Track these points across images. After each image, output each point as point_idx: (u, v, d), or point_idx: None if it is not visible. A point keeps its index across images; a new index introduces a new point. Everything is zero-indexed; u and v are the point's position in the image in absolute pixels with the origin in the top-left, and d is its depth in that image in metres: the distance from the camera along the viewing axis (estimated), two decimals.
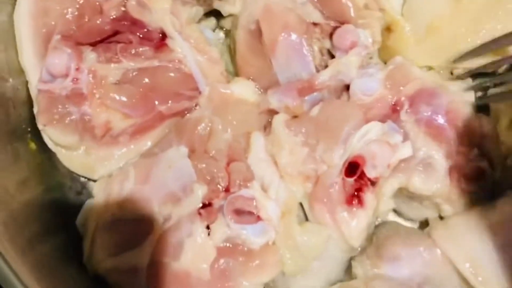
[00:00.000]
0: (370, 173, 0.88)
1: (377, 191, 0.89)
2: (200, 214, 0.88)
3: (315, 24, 0.96)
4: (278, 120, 0.92)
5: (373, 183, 0.89)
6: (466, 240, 0.89)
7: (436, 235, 0.92)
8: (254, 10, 0.97)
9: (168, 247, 0.88)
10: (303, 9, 0.95)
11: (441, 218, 0.95)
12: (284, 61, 0.95)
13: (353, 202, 0.88)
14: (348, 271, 0.94)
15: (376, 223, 0.96)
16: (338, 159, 0.89)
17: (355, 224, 0.88)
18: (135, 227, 0.89)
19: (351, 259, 0.94)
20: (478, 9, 0.92)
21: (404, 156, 0.90)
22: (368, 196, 0.88)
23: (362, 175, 0.89)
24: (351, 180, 0.89)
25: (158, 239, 0.88)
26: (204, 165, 0.90)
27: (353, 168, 0.88)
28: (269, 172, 0.91)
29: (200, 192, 0.88)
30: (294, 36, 0.95)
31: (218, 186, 0.89)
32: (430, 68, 0.95)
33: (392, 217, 1.02)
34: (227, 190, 0.90)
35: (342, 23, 0.95)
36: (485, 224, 0.89)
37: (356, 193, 0.89)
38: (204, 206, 0.89)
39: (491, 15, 0.91)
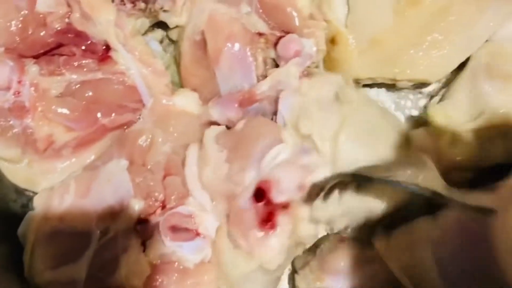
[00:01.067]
0: (277, 198, 0.86)
1: (292, 214, 0.86)
2: (136, 230, 0.88)
3: (260, 34, 0.95)
4: (209, 134, 0.90)
5: (284, 206, 0.86)
6: (407, 252, 0.89)
7: (379, 247, 0.92)
8: (199, 21, 0.96)
9: (103, 262, 0.87)
10: (248, 19, 0.95)
11: (386, 229, 0.94)
12: (227, 72, 0.95)
13: (266, 226, 0.86)
14: (291, 285, 0.94)
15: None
16: (249, 181, 0.87)
17: (268, 247, 0.85)
18: (73, 240, 0.89)
19: (294, 272, 0.93)
20: (421, 21, 0.91)
21: (318, 180, 0.87)
22: (281, 219, 0.86)
23: (269, 200, 0.86)
24: (260, 204, 0.86)
25: (94, 253, 0.87)
26: (141, 179, 0.89)
27: (259, 193, 0.86)
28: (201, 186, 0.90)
29: (136, 207, 0.88)
30: (238, 46, 0.95)
31: (155, 201, 0.89)
32: (373, 80, 0.94)
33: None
34: (163, 205, 0.89)
35: (287, 32, 0.94)
36: (427, 237, 0.88)
37: (268, 217, 0.86)
38: (141, 221, 0.89)
39: (433, 27, 0.91)
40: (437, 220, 0.89)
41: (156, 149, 0.91)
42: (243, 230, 0.86)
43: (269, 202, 0.86)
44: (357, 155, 0.87)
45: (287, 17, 0.95)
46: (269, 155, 0.87)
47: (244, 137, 0.89)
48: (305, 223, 0.88)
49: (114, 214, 0.89)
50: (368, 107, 0.91)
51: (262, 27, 0.95)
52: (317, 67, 0.95)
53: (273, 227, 0.85)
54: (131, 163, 0.90)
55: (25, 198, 1.01)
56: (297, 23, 0.94)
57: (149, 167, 0.90)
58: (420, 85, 0.95)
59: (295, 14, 0.94)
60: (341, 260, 0.91)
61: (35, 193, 0.97)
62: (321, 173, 0.87)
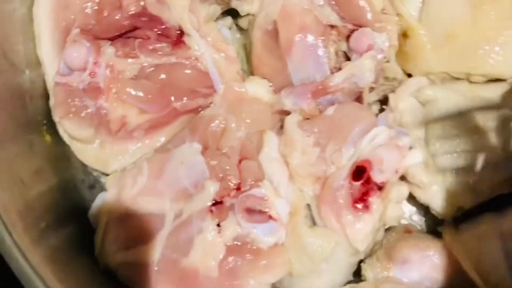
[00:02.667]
0: (377, 177, 0.88)
1: (384, 196, 0.89)
2: (211, 211, 0.89)
3: (332, 26, 0.96)
4: (291, 121, 0.92)
5: (380, 188, 0.89)
6: (476, 246, 0.89)
7: (447, 239, 0.92)
8: (271, 10, 0.97)
9: (178, 243, 0.89)
10: (321, 10, 0.95)
11: (455, 222, 0.95)
12: (299, 62, 0.95)
13: (359, 206, 0.88)
14: (358, 273, 0.94)
15: (387, 227, 0.95)
16: (346, 160, 0.89)
17: (360, 228, 0.88)
18: (146, 222, 0.90)
19: (360, 261, 0.94)
20: (498, 16, 0.91)
21: (412, 163, 0.89)
22: (375, 200, 0.88)
23: (369, 179, 0.88)
24: (357, 184, 0.88)
25: (168, 234, 0.88)
26: (216, 162, 0.90)
27: (360, 172, 0.88)
28: (279, 171, 0.91)
29: (212, 189, 0.89)
30: (310, 38, 0.95)
31: (230, 183, 0.90)
32: (447, 74, 0.94)
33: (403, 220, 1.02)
34: (238, 188, 0.90)
35: (359, 26, 0.94)
36: (496, 231, 0.89)
37: (362, 197, 0.88)
38: (216, 203, 0.90)
39: (510, 22, 0.91)
40: (506, 214, 0.90)
41: (230, 134, 0.92)
42: (335, 209, 0.88)
43: (367, 182, 0.88)
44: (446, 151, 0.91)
45: (360, 11, 0.94)
46: (367, 137, 0.89)
47: (338, 121, 0.91)
48: (393, 205, 0.90)
49: (188, 195, 0.90)
50: (449, 99, 0.92)
51: (335, 19, 0.95)
52: (388, 61, 0.95)
53: (367, 207, 0.87)
54: (205, 147, 0.92)
55: (92, 178, 1.02)
56: (369, 17, 0.94)
57: (224, 151, 0.91)
58: (494, 80, 0.94)
59: (367, 7, 0.94)
60: (409, 250, 0.92)
61: (104, 174, 0.98)
62: (414, 158, 0.89)
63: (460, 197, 0.92)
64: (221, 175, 0.90)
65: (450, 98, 0.93)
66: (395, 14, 0.95)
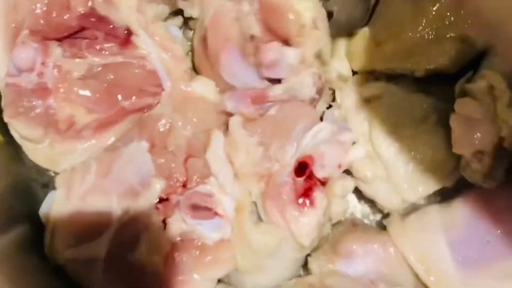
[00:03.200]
0: (319, 173, 0.89)
1: (327, 191, 0.90)
2: (157, 208, 0.90)
3: (252, 37, 0.95)
4: (234, 122, 0.93)
5: (323, 183, 0.90)
6: (420, 239, 0.91)
7: (392, 232, 0.93)
8: (205, 17, 0.98)
9: (124, 240, 0.90)
10: (246, 21, 0.94)
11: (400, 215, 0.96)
12: (228, 71, 0.96)
13: (303, 201, 0.89)
14: (305, 267, 0.95)
15: (333, 222, 0.96)
16: (290, 157, 0.90)
17: (305, 223, 0.89)
18: (94, 219, 0.92)
19: (307, 255, 0.95)
20: (436, 11, 0.92)
21: (356, 158, 0.90)
22: (318, 195, 0.89)
23: (312, 175, 0.89)
24: (301, 179, 0.89)
25: (115, 231, 0.90)
26: (163, 160, 0.92)
27: (302, 168, 0.89)
28: (225, 169, 0.93)
29: (157, 187, 0.90)
30: (234, 50, 0.95)
31: (176, 181, 0.91)
32: (391, 70, 0.95)
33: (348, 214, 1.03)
34: (184, 185, 0.92)
35: (283, 38, 0.93)
36: (440, 222, 0.90)
37: (306, 193, 0.89)
38: (162, 200, 0.91)
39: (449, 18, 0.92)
40: (450, 206, 0.91)
41: (177, 133, 0.93)
42: (280, 205, 0.89)
43: (310, 177, 0.89)
44: (389, 144, 0.93)
45: (284, 22, 0.93)
46: (310, 133, 0.91)
47: (281, 120, 0.93)
48: (338, 199, 0.92)
49: (135, 193, 0.91)
50: (392, 96, 0.94)
51: (256, 31, 0.94)
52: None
53: (311, 202, 0.89)
54: (152, 145, 0.93)
55: (46, 177, 1.03)
56: (292, 30, 0.93)
57: (170, 149, 0.93)
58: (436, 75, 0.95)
59: (291, 20, 0.92)
60: (354, 243, 0.93)
61: (56, 173, 0.99)
62: (358, 152, 0.91)
63: (403, 189, 0.93)
64: (167, 173, 0.91)
65: (393, 93, 0.93)
66: (324, 28, 0.94)
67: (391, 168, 0.92)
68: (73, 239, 0.92)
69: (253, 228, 0.90)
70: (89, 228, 0.91)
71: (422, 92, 0.94)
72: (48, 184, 1.03)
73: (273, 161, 0.91)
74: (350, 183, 0.93)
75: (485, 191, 0.89)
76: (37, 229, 0.95)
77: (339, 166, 0.91)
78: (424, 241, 0.91)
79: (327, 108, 0.99)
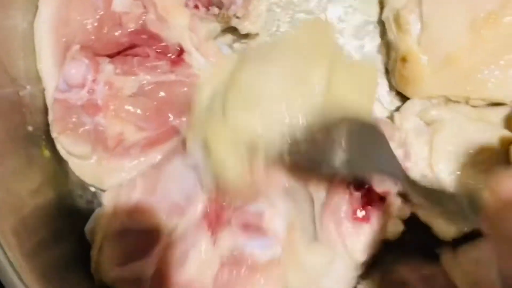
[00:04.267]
0: (378, 187, 0.88)
1: (385, 208, 0.88)
2: (206, 225, 0.90)
3: None
4: None
5: (381, 198, 0.88)
6: (473, 271, 0.89)
7: (445, 262, 0.92)
8: None
9: (173, 257, 0.89)
10: None
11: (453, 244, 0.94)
12: None
13: (359, 215, 0.88)
14: None
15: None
16: None
17: (360, 238, 0.88)
18: (142, 237, 0.90)
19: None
20: (498, 40, 0.91)
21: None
22: (376, 211, 0.88)
23: (370, 189, 0.88)
24: (358, 193, 0.88)
25: (163, 249, 0.89)
26: (208, 177, 0.90)
27: (361, 181, 0.88)
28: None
29: (202, 203, 0.90)
30: None
31: (224, 197, 0.90)
32: (446, 98, 0.94)
33: None
34: (232, 201, 0.91)
35: None
36: (493, 255, 0.88)
37: (363, 207, 0.88)
38: (211, 217, 0.90)
39: (510, 46, 0.91)
40: None
41: None
42: (336, 219, 0.88)
43: (368, 192, 0.88)
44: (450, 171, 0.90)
45: None
46: None
47: None
48: (394, 219, 0.89)
49: (182, 210, 0.90)
50: (453, 120, 0.92)
51: None
52: None
53: (367, 217, 0.88)
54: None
55: (90, 193, 1.02)
56: None
57: None
58: (494, 104, 0.94)
59: None
60: (407, 272, 0.91)
61: (101, 190, 0.98)
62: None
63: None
64: (214, 189, 0.90)
65: (455, 119, 0.92)
66: None
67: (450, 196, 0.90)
68: (120, 258, 0.90)
69: (305, 248, 0.88)
70: (136, 246, 0.90)
71: (482, 119, 0.92)
72: (92, 201, 1.02)
73: None
74: (407, 208, 0.90)
75: None
76: (81, 247, 0.94)
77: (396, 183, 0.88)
78: (476, 272, 0.89)
79: None
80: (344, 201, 0.89)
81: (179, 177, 0.93)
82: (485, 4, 0.91)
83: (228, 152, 0.86)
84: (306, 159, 0.84)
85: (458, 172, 0.91)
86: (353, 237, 0.88)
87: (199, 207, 0.91)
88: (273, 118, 0.85)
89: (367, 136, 0.84)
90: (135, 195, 0.93)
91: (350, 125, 0.82)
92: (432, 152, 0.91)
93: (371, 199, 0.89)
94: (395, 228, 0.91)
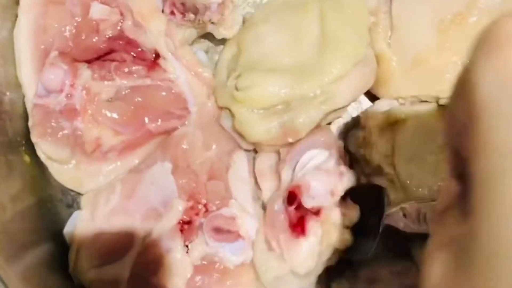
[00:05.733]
0: (308, 203, 0.87)
1: (323, 220, 0.88)
2: (180, 230, 0.91)
3: None
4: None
5: (316, 212, 0.88)
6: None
7: (417, 254, 0.93)
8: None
9: (147, 262, 0.90)
10: None
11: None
12: None
13: (296, 230, 0.88)
14: None
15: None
16: (284, 184, 0.91)
17: (298, 252, 0.87)
18: (118, 240, 0.92)
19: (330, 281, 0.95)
20: (464, 40, 0.93)
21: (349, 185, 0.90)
22: (312, 224, 0.87)
23: (301, 204, 0.88)
24: (292, 208, 0.89)
25: (138, 253, 0.90)
26: (185, 180, 0.93)
27: (291, 197, 0.88)
28: (244, 190, 0.94)
29: (180, 208, 0.91)
30: None
31: (198, 202, 0.92)
32: (416, 98, 0.96)
33: None
34: (206, 207, 0.93)
35: None
36: None
37: (298, 222, 0.88)
38: (184, 223, 0.92)
39: None
40: None
41: (199, 152, 0.95)
42: (275, 233, 0.89)
43: (300, 207, 0.88)
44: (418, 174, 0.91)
45: None
46: (301, 159, 0.91)
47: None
48: (337, 228, 0.89)
49: (158, 215, 0.92)
50: (417, 121, 0.94)
51: None
52: None
53: (303, 232, 0.87)
54: (175, 166, 0.94)
55: (70, 198, 1.03)
56: None
57: (193, 169, 0.93)
58: None
59: None
60: (379, 270, 0.93)
61: (80, 194, 1.00)
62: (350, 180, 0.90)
63: None
64: (189, 194, 0.93)
65: (418, 118, 0.94)
66: None
67: (410, 194, 0.92)
68: (97, 260, 0.92)
69: (262, 253, 0.90)
70: (113, 249, 0.92)
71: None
72: (72, 204, 1.03)
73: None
74: (354, 213, 0.91)
75: None
76: (61, 249, 0.96)
77: (332, 195, 0.89)
78: None
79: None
80: (281, 216, 0.89)
81: (158, 182, 0.95)
82: (452, 5, 0.94)
83: (247, 114, 0.91)
84: None
85: (422, 170, 0.92)
86: (291, 250, 0.88)
87: (175, 212, 0.92)
88: (279, 72, 0.91)
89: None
90: (113, 198, 0.95)
91: None
92: (394, 150, 0.93)
93: (305, 212, 0.88)
94: (342, 235, 0.90)
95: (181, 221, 0.91)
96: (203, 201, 0.93)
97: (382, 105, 0.96)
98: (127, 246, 0.91)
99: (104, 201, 0.94)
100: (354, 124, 1.00)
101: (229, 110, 0.95)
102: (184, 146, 0.96)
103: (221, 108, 0.98)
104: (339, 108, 0.94)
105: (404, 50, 0.96)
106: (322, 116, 0.92)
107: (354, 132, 0.97)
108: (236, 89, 0.92)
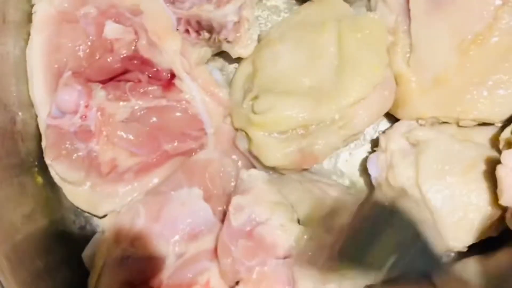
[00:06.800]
0: None
1: None
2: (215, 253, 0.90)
3: None
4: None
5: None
6: None
7: (437, 281, 0.92)
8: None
9: (179, 283, 0.89)
10: None
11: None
12: None
13: None
14: None
15: None
16: None
17: None
18: (146, 264, 0.91)
19: None
20: (486, 61, 0.92)
21: None
22: None
23: None
24: None
25: (170, 275, 0.89)
26: (223, 207, 0.93)
27: None
28: None
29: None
30: None
31: None
32: (436, 119, 0.95)
33: None
34: None
35: None
36: (482, 274, 0.89)
37: None
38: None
39: (498, 67, 0.91)
40: (492, 257, 0.90)
41: (229, 177, 0.95)
42: None
43: None
44: (438, 190, 0.90)
45: None
46: None
47: None
48: None
49: (193, 236, 0.92)
50: (439, 143, 0.92)
51: None
52: None
53: None
54: (207, 192, 0.94)
55: (83, 219, 1.02)
56: None
57: (227, 193, 0.94)
58: (483, 124, 0.95)
59: None
60: None
61: (96, 216, 0.98)
62: None
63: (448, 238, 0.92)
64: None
65: (440, 140, 0.93)
66: None
67: (438, 215, 0.91)
68: (120, 285, 0.90)
69: None
70: (140, 273, 0.90)
71: (468, 139, 0.93)
72: (85, 226, 1.02)
73: None
74: None
75: None
76: (77, 273, 0.94)
77: None
78: None
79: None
80: None
81: (189, 206, 0.94)
82: (473, 26, 0.92)
83: (264, 137, 0.90)
84: None
85: (447, 191, 0.91)
86: None
87: (215, 235, 0.92)
88: (297, 94, 0.89)
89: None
90: (138, 221, 0.93)
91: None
92: (418, 172, 0.91)
93: None
94: None
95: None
96: None
97: (402, 127, 0.95)
98: (157, 270, 0.90)
99: (129, 225, 0.93)
100: (373, 146, 0.98)
101: (245, 132, 0.93)
102: (213, 172, 0.96)
103: (236, 129, 0.96)
104: (357, 132, 0.93)
105: (424, 70, 0.95)
106: (341, 141, 0.91)
107: (375, 156, 0.96)
108: (253, 111, 0.91)
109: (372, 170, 0.95)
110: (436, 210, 0.91)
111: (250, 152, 0.93)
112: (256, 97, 0.92)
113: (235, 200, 0.89)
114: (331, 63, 0.92)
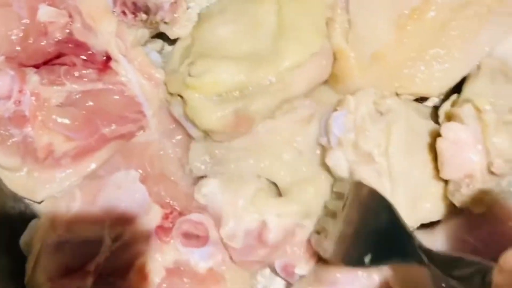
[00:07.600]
0: None
1: None
2: (153, 235, 0.91)
3: None
4: None
5: None
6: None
7: None
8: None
9: (115, 266, 0.89)
10: None
11: None
12: None
13: None
14: None
15: None
16: None
17: None
18: (81, 248, 0.90)
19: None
20: (423, 36, 0.91)
21: None
22: None
23: None
24: None
25: (105, 258, 0.89)
26: (157, 188, 0.92)
27: None
28: None
29: (153, 215, 0.91)
30: None
31: (172, 209, 0.92)
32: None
33: None
34: (180, 213, 0.93)
35: None
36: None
37: None
38: (159, 228, 0.91)
39: (435, 42, 0.91)
40: (432, 233, 0.90)
41: (169, 159, 0.94)
42: None
43: None
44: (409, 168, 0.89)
45: None
46: None
47: None
48: None
49: (128, 220, 0.90)
50: (409, 113, 0.92)
51: None
52: None
53: None
54: (145, 173, 0.94)
55: (23, 205, 1.00)
56: None
57: (166, 175, 0.93)
58: (421, 99, 0.95)
59: None
60: (337, 271, 0.91)
61: (35, 202, 0.97)
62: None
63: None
64: (163, 201, 0.93)
65: (409, 112, 0.93)
66: None
67: (395, 191, 0.90)
68: (56, 271, 0.89)
69: None
70: (76, 257, 0.90)
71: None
72: (25, 212, 1.00)
73: None
74: None
75: (470, 218, 0.88)
76: (16, 260, 0.93)
77: None
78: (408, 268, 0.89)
79: None
80: None
81: (126, 189, 0.93)
82: (409, 1, 0.92)
83: (200, 100, 0.89)
84: None
85: (410, 167, 0.90)
86: None
87: (149, 218, 0.92)
88: (235, 58, 0.89)
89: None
90: (74, 205, 0.93)
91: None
92: (389, 141, 0.89)
93: None
94: None
95: (157, 227, 0.92)
96: (177, 206, 0.93)
97: (370, 92, 0.93)
98: (92, 253, 0.89)
99: (65, 209, 0.92)
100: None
101: (180, 96, 0.92)
102: (152, 153, 0.94)
103: (171, 94, 0.95)
104: (294, 97, 0.93)
105: (363, 46, 0.94)
106: (277, 104, 0.91)
107: (342, 114, 0.93)
108: (189, 75, 0.90)
109: (336, 128, 0.91)
110: (398, 185, 0.90)
111: (185, 116, 0.91)
112: (192, 62, 0.90)
113: (222, 232, 0.90)
114: (270, 31, 0.92)
